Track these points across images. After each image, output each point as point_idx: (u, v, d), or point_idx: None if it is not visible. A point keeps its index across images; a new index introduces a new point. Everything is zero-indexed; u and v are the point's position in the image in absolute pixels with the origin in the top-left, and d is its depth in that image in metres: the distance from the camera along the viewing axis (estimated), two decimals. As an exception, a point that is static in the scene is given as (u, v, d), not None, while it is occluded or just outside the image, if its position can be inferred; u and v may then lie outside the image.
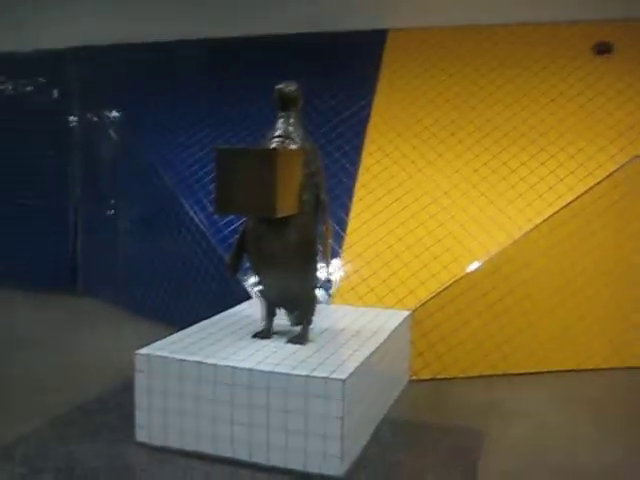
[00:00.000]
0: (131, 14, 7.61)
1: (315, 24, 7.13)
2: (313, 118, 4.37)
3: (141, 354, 4.08)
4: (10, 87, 8.90)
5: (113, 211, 7.80)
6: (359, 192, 6.18)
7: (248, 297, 5.57)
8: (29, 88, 8.76)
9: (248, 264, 4.46)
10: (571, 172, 5.87)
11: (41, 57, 8.63)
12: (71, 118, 8.48)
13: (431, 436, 4.33)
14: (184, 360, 3.94)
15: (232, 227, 6.10)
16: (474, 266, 5.50)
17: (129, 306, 7.55)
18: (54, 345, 6.49)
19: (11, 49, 8.73)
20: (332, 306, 5.32)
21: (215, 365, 3.85)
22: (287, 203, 3.92)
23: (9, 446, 4.11)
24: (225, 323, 4.76)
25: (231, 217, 6.10)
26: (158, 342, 4.28)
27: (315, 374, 3.65)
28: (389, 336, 4.59)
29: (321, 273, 4.55)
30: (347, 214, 5.99)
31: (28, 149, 8.73)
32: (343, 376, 3.61)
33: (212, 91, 7.39)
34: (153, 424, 4.04)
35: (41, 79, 8.69)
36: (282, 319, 4.54)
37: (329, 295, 5.45)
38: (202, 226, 6.33)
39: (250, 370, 3.76)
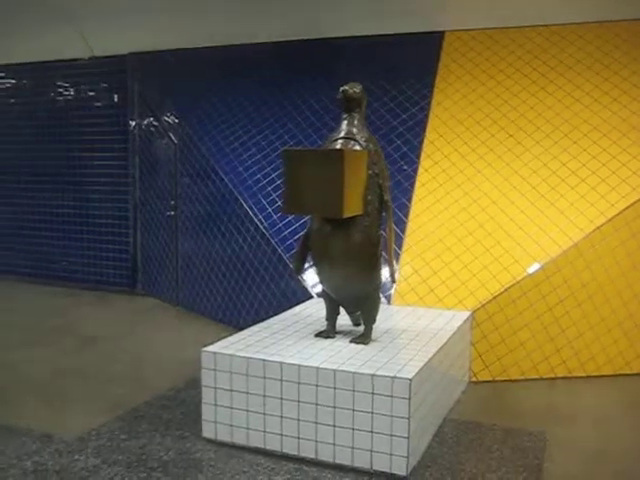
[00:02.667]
0: (189, 19, 7.72)
1: (373, 27, 7.16)
2: (371, 120, 4.41)
3: (208, 351, 4.17)
4: (72, 93, 9.16)
5: (173, 212, 7.96)
6: (418, 193, 6.19)
7: (309, 296, 5.64)
8: (91, 93, 9.01)
9: (311, 263, 4.51)
10: (634, 172, 5.78)
11: (102, 63, 8.86)
12: (131, 122, 8.69)
13: (493, 437, 4.32)
14: (250, 358, 4.02)
15: (292, 227, 6.18)
16: (534, 268, 5.46)
17: (188, 306, 7.71)
18: (119, 342, 6.67)
19: (73, 56, 8.99)
20: (393, 306, 5.35)
21: (281, 363, 3.92)
22: (353, 204, 3.97)
23: (83, 438, 4.26)
24: (288, 322, 4.83)
25: (290, 217, 6.19)
26: (224, 340, 4.37)
27: (381, 373, 3.69)
28: (451, 337, 4.59)
29: (383, 273, 4.57)
30: (406, 215, 6.01)
31: (90, 152, 8.99)
32: (409, 375, 3.64)
33: (271, 94, 7.48)
34: (219, 420, 4.13)
35: (102, 85, 8.92)
36: (344, 319, 4.59)
37: (390, 295, 5.48)
38: (262, 226, 6.43)
39: (316, 368, 3.82)
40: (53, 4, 8.09)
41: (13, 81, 9.66)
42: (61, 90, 9.23)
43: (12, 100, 9.69)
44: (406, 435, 3.63)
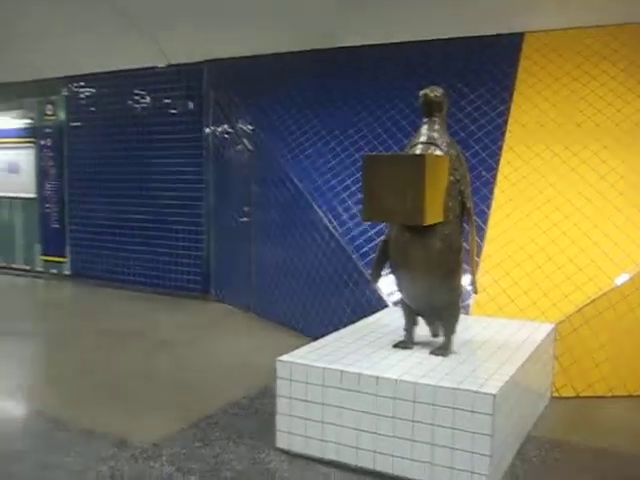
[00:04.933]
0: (263, 26, 7.74)
1: (450, 30, 7.00)
2: (448, 125, 4.26)
3: (283, 361, 4.09)
4: (149, 100, 9.32)
5: (246, 219, 7.97)
6: (498, 200, 5.99)
7: (384, 305, 5.52)
8: (167, 101, 9.13)
9: (389, 272, 4.39)
10: None
11: (178, 70, 8.98)
12: (205, 129, 8.77)
13: (581, 458, 4.10)
14: (326, 368, 3.93)
15: (366, 235, 6.08)
16: (622, 279, 5.18)
17: (261, 312, 7.69)
18: (192, 348, 6.70)
19: (150, 64, 9.14)
20: (472, 317, 5.17)
21: (358, 374, 3.81)
22: (434, 210, 3.84)
23: (158, 444, 4.25)
24: (364, 332, 4.72)
25: (366, 225, 6.08)
26: (299, 349, 4.29)
27: (463, 387, 3.53)
28: (534, 350, 4.39)
29: (464, 283, 4.41)
30: (485, 222, 5.82)
31: (166, 159, 9.11)
32: (493, 390, 3.47)
33: (345, 99, 7.40)
34: (294, 431, 4.05)
35: (178, 92, 9.03)
36: (423, 329, 4.45)
37: (468, 305, 5.31)
38: (336, 233, 6.34)
39: (395, 380, 3.69)
40: (132, 14, 8.25)
41: (93, 90, 9.90)
42: (138, 98, 9.40)
43: (92, 109, 9.93)
44: (488, 453, 3.47)
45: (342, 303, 6.24)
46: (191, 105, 8.96)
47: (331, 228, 6.41)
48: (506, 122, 6.50)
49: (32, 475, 3.92)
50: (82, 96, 10.01)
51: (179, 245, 9.04)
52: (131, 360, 6.29)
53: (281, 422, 4.11)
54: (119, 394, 5.34)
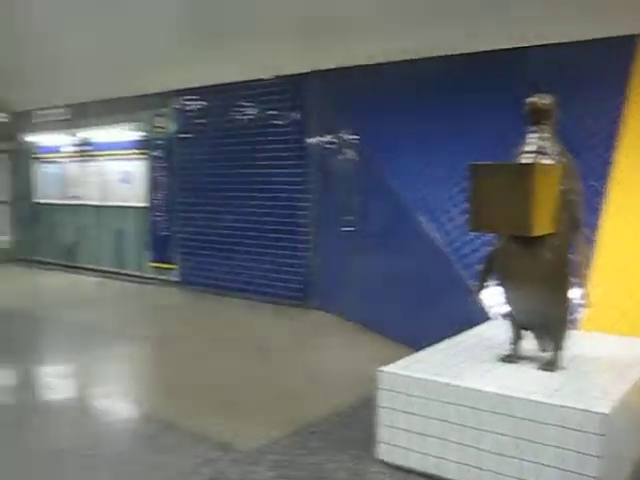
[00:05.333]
0: (369, 36, 7.76)
1: (558, 34, 6.78)
2: (557, 132, 4.12)
3: (385, 372, 4.07)
4: (255, 111, 9.53)
5: (349, 228, 7.98)
6: (609, 210, 5.74)
7: (487, 318, 5.39)
8: (272, 112, 9.31)
9: (495, 284, 4.29)
10: None
11: (283, 82, 9.13)
12: (309, 139, 8.87)
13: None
14: (429, 380, 3.87)
15: (472, 245, 5.96)
16: None
17: (363, 322, 7.67)
18: (293, 355, 6.78)
19: (257, 76, 9.34)
20: (581, 332, 4.96)
21: (462, 388, 3.74)
22: (543, 221, 3.72)
23: (260, 450, 4.31)
24: (467, 344, 4.63)
25: (470, 235, 5.96)
26: (401, 360, 4.25)
27: (573, 405, 3.40)
28: (649, 369, 4.17)
29: (573, 296, 4.25)
30: (595, 233, 5.59)
31: (270, 169, 9.28)
32: (605, 410, 3.32)
33: (450, 108, 7.29)
34: (395, 443, 4.01)
35: (283, 103, 9.18)
36: (531, 343, 4.31)
37: (577, 320, 5.10)
38: (439, 244, 6.26)
39: (500, 396, 3.59)
40: (239, 26, 8.47)
41: (201, 102, 10.23)
42: (244, 109, 9.63)
43: (200, 120, 10.26)
44: (597, 475, 3.31)
45: (446, 315, 6.13)
46: (296, 116, 9.09)
47: (435, 238, 6.33)
48: (619, 129, 6.23)
49: (142, 476, 4.07)
50: (191, 108, 10.36)
51: (282, 254, 9.18)
52: (237, 366, 6.43)
53: (382, 433, 4.08)
54: (225, 399, 5.45)
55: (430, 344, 4.67)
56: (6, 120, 13.94)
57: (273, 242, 9.29)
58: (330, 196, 8.57)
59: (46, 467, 4.20)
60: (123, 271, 11.74)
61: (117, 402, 5.62)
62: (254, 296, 9.48)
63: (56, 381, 6.33)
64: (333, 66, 8.49)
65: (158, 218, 10.97)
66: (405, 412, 3.95)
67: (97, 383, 6.17)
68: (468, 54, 7.35)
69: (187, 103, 10.41)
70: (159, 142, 10.91)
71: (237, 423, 4.89)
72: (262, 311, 8.96)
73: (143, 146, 11.25)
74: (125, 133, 11.52)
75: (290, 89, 9.12)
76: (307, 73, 8.82)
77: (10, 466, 4.21)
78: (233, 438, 4.53)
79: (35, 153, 13.75)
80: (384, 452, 4.07)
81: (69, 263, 12.83)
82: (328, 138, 8.60)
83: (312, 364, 6.48)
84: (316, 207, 8.86)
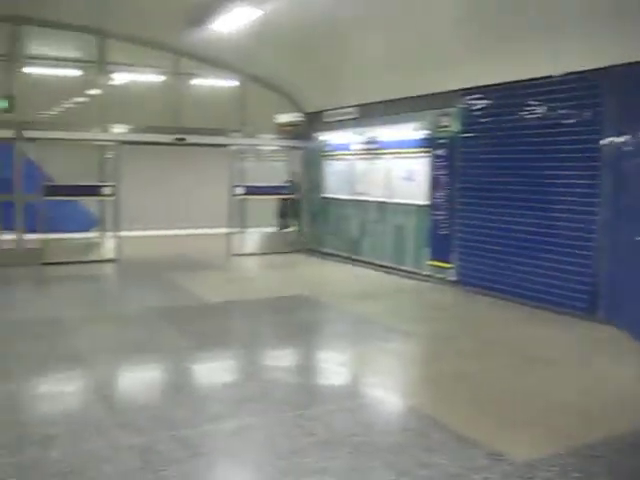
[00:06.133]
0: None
1: None
2: None
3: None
4: (542, 110, 9.13)
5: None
6: None
7: None
8: (560, 111, 8.84)
9: None
10: None
11: (573, 79, 8.63)
12: (603, 139, 8.27)
13: None
14: None
15: None
16: None
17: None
18: (567, 368, 6.44)
19: (546, 73, 8.96)
20: None
21: None
22: None
23: (531, 464, 4.15)
24: None
25: None
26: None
27: None
28: None
29: None
30: None
31: (557, 170, 8.84)
32: None
33: None
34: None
35: (572, 102, 8.68)
36: None
37: None
38: None
39: None
40: (532, 22, 8.20)
41: (487, 101, 10.07)
42: (532, 108, 9.28)
43: (485, 120, 10.11)
44: None
45: None
46: (587, 114, 8.54)
47: None
48: None
49: (411, 470, 4.14)
50: (476, 107, 10.26)
51: (565, 260, 8.68)
52: (505, 372, 6.27)
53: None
54: (491, 404, 5.35)
55: None
56: (301, 120, 15.06)
57: (556, 247, 8.83)
58: (623, 200, 7.92)
59: (320, 447, 4.46)
60: (402, 267, 12.05)
61: (387, 394, 5.80)
62: (531, 302, 9.13)
63: (332, 367, 6.71)
64: (630, 60, 7.76)
65: (438, 217, 11.05)
66: None
67: (369, 374, 6.42)
68: None
69: (472, 102, 10.32)
70: (442, 141, 10.97)
71: (506, 432, 4.77)
72: (538, 318, 8.59)
73: (426, 145, 11.39)
74: (409, 132, 11.78)
75: (582, 86, 8.57)
76: (600, 69, 8.20)
77: (290, 446, 4.54)
78: (502, 447, 4.41)
79: (325, 151, 14.67)
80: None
81: (352, 256, 13.52)
82: (627, 138, 7.92)
83: (588, 380, 6.08)
84: (606, 211, 8.23)
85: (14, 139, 12.46)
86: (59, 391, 5.78)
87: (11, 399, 5.46)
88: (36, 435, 4.63)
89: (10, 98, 12.51)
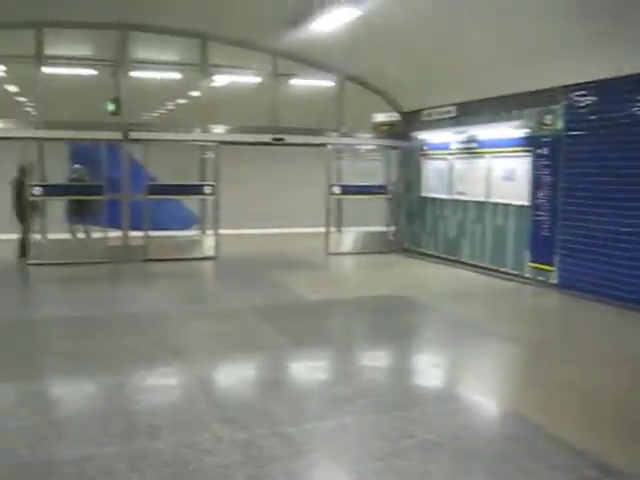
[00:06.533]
0: None
1: None
2: None
3: None
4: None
5: None
6: None
7: None
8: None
9: None
10: None
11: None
12: None
13: None
14: None
15: None
16: None
17: None
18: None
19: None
20: None
21: None
22: None
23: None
24: None
25: None
26: None
27: None
28: None
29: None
30: None
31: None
32: None
33: None
34: None
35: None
36: None
37: None
38: None
39: None
40: None
41: (594, 98, 9.67)
42: (642, 104, 8.88)
43: (592, 117, 9.70)
44: None
45: None
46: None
47: None
48: None
49: (513, 477, 4.03)
50: (582, 104, 9.87)
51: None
52: (616, 381, 6.03)
53: None
54: (601, 414, 5.17)
55: None
56: (398, 119, 14.97)
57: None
58: None
59: (421, 450, 4.40)
60: (501, 269, 11.75)
61: (488, 399, 5.68)
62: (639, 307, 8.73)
63: (430, 369, 6.66)
64: None
65: (539, 217, 10.71)
66: None
67: (468, 377, 6.31)
68: None
69: (578, 99, 9.94)
70: (545, 139, 10.63)
71: (616, 443, 4.56)
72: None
73: (528, 143, 11.07)
74: (510, 130, 11.48)
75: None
76: None
77: (391, 448, 4.50)
78: (612, 459, 4.23)
79: (423, 150, 14.50)
80: None
81: (450, 256, 13.31)
82: None
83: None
84: None
85: (121, 140, 12.97)
86: (164, 384, 5.97)
87: (120, 390, 5.67)
88: (143, 425, 4.79)
89: (117, 101, 13.04)
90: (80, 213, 13.27)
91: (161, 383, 5.99)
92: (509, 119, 11.48)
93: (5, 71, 14.70)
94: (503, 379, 6.45)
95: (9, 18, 11.96)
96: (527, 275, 11.07)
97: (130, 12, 12.25)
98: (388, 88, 14.66)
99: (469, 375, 6.34)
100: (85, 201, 13.06)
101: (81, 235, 13.57)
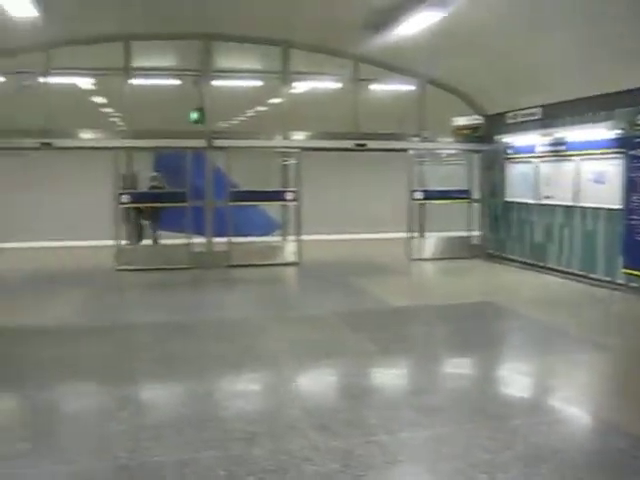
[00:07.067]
0: None
1: None
2: None
3: None
4: None
5: None
6: None
7: None
8: None
9: None
10: None
11: None
12: None
13: None
14: None
15: None
16: None
17: None
18: None
19: None
20: None
21: None
22: None
23: None
24: None
25: None
26: None
27: None
28: None
29: None
30: None
31: None
32: None
33: None
34: None
35: None
36: None
37: None
38: None
39: None
40: None
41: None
42: None
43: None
44: None
45: None
46: None
47: None
48: None
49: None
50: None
51: None
52: None
53: None
54: None
55: None
56: (479, 122, 14.69)
57: None
58: None
59: (521, 462, 4.26)
60: (591, 275, 11.34)
61: (584, 409, 5.50)
62: None
63: (521, 378, 6.49)
64: None
65: (634, 221, 10.28)
66: None
67: (561, 386, 6.11)
68: None
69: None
70: (638, 140, 10.21)
71: None
72: None
73: (619, 145, 10.65)
74: (600, 132, 11.07)
75: None
76: None
77: (490, 460, 4.37)
78: None
79: (507, 153, 14.17)
80: None
81: (536, 262, 12.95)
82: None
83: None
84: None
85: (205, 148, 13.20)
86: (253, 390, 6.02)
87: (211, 396, 5.74)
88: (238, 432, 4.81)
89: (201, 110, 13.28)
90: (156, 220, 13.69)
91: (251, 388, 6.04)
92: (598, 120, 11.08)
93: (93, 84, 15.17)
94: (599, 389, 6.19)
95: (98, 32, 12.36)
96: (620, 281, 10.64)
97: (212, 22, 12.46)
98: (471, 91, 14.42)
99: (562, 384, 6.13)
100: (159, 208, 13.43)
101: (149, 241, 13.95)
